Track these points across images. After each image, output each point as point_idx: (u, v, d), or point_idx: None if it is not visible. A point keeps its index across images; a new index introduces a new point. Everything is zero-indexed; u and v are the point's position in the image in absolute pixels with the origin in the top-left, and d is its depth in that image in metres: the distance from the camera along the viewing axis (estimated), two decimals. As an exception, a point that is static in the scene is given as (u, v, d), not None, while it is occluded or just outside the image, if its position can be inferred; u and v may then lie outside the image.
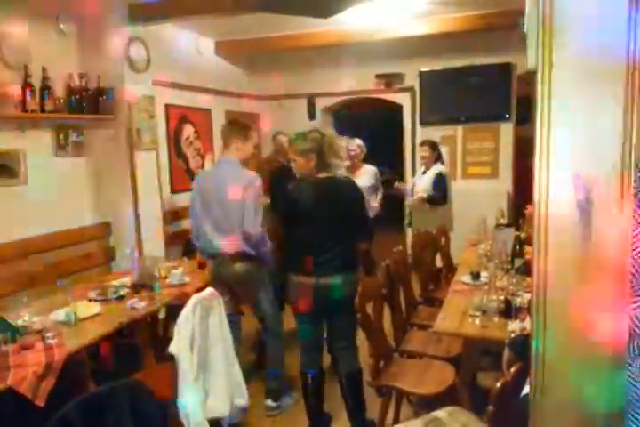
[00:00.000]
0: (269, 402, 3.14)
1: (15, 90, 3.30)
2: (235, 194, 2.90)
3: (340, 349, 2.91)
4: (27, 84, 3.33)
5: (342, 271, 2.73)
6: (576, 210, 0.93)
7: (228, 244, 2.98)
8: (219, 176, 3.03)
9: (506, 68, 5.54)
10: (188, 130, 5.17)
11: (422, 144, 4.73)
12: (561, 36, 0.91)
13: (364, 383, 2.88)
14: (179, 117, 5.02)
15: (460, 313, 2.63)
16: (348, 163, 4.80)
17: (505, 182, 5.77)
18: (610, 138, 0.90)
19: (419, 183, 4.69)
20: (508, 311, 2.50)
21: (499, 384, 1.65)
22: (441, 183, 4.51)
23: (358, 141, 4.84)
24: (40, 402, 2.05)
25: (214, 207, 2.98)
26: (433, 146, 4.70)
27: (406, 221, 4.93)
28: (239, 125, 3.14)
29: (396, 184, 4.99)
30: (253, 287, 3.06)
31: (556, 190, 0.95)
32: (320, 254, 2.73)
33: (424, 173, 4.72)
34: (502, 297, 2.60)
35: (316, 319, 2.87)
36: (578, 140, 0.93)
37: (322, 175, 2.80)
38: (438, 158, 4.70)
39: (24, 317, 2.40)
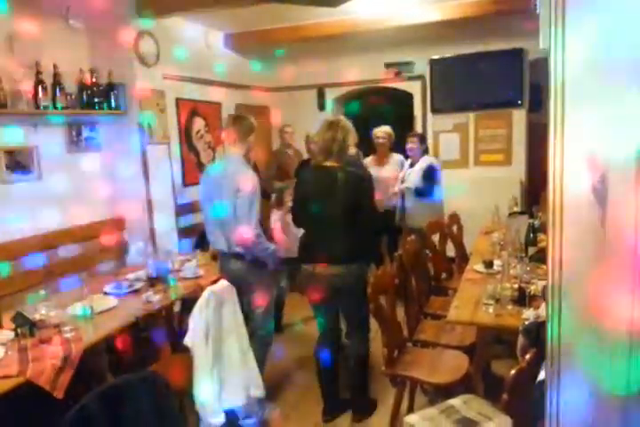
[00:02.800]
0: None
1: (27, 87, 3.33)
2: (230, 190, 2.86)
3: (350, 334, 2.97)
4: (38, 81, 3.35)
5: (348, 260, 2.75)
6: (591, 194, 0.92)
7: (226, 242, 2.97)
8: (221, 172, 3.01)
9: (518, 54, 5.45)
10: (199, 123, 5.18)
11: (411, 136, 4.65)
12: (574, 17, 0.89)
13: (368, 369, 3.02)
14: (189, 111, 5.02)
15: (474, 302, 2.63)
16: (353, 151, 4.77)
17: (518, 170, 5.70)
18: (625, 120, 0.88)
19: (410, 175, 4.55)
20: (522, 299, 2.49)
21: (513, 371, 1.65)
22: (430, 175, 4.42)
23: (386, 128, 4.78)
24: (59, 394, 2.09)
25: (213, 201, 2.97)
26: (421, 138, 4.67)
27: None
28: (241, 119, 3.12)
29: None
30: (250, 287, 3.00)
31: (570, 174, 0.94)
32: (326, 243, 2.75)
33: (411, 165, 4.60)
34: (516, 285, 2.59)
35: (328, 307, 2.90)
36: (592, 123, 0.91)
37: (328, 164, 2.80)
38: (426, 151, 4.65)
39: (41, 311, 2.44)
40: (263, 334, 3.09)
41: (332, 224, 2.74)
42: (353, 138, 2.86)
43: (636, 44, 0.85)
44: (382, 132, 4.75)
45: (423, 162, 4.50)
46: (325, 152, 2.81)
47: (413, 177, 4.50)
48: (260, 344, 3.04)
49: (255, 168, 3.78)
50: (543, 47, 0.96)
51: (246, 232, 2.82)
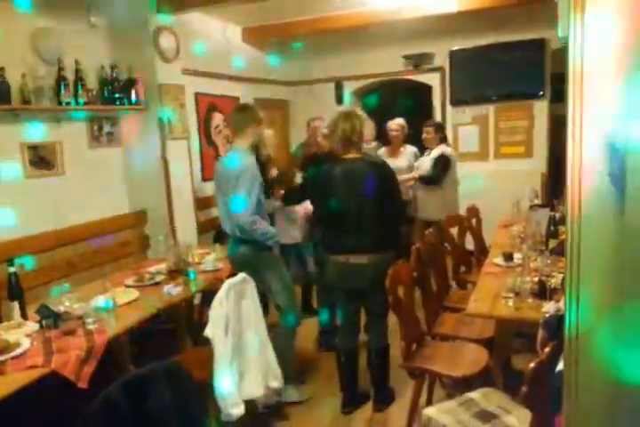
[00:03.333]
0: None
1: (50, 83, 3.38)
2: (229, 182, 2.91)
3: (371, 326, 3.01)
4: (61, 77, 3.41)
5: (373, 251, 2.78)
6: (609, 183, 0.91)
7: (232, 229, 3.00)
8: (225, 164, 3.06)
9: (539, 44, 5.37)
10: (218, 118, 5.21)
11: (427, 126, 4.62)
12: (593, 4, 0.88)
13: (390, 360, 3.03)
14: (208, 106, 5.05)
15: (493, 295, 2.61)
16: (373, 144, 4.75)
17: (539, 162, 5.64)
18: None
19: (423, 164, 4.56)
20: (542, 292, 2.47)
21: (533, 364, 1.64)
22: (440, 163, 4.38)
23: (399, 121, 4.79)
24: (83, 384, 2.13)
25: (221, 193, 3.03)
26: (438, 127, 4.62)
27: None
28: (246, 109, 3.14)
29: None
30: (261, 271, 3.01)
31: (588, 163, 0.93)
32: (351, 234, 2.77)
33: (428, 154, 4.60)
34: (536, 278, 2.57)
35: (350, 298, 2.92)
36: (610, 110, 0.90)
37: (350, 156, 2.81)
38: (443, 140, 4.60)
39: (65, 303, 2.49)
40: (285, 320, 3.09)
41: (362, 215, 2.76)
42: (370, 128, 2.86)
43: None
44: (395, 124, 4.75)
45: (437, 151, 4.48)
46: (347, 143, 2.81)
47: (425, 165, 4.50)
48: (284, 331, 3.09)
49: (269, 159, 3.80)
50: (562, 35, 0.95)
51: (243, 216, 2.85)
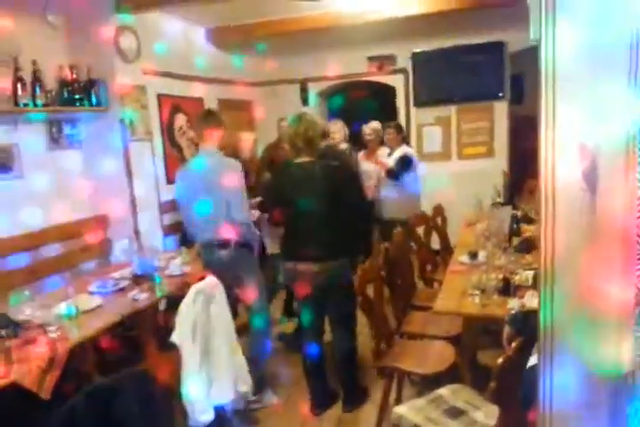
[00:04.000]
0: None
1: (5, 84, 3.27)
2: (218, 182, 2.90)
3: (333, 330, 3.00)
4: (17, 78, 3.29)
5: (322, 259, 2.74)
6: (582, 181, 0.94)
7: (215, 232, 2.98)
8: (201, 166, 3.05)
9: (498, 47, 5.50)
10: (181, 119, 5.13)
11: (388, 127, 4.75)
12: (564, 7, 0.91)
13: (357, 361, 3.06)
14: (171, 107, 4.97)
15: (460, 293, 2.65)
16: (344, 146, 4.77)
17: (500, 161, 5.77)
18: (614, 108, 0.90)
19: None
20: (507, 289, 2.52)
21: (500, 360, 1.67)
22: (406, 163, 4.51)
23: (374, 124, 4.84)
24: (46, 395, 2.07)
25: (200, 196, 2.99)
26: (398, 128, 4.77)
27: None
28: (211, 114, 3.22)
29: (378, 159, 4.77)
30: (240, 274, 3.05)
31: (561, 162, 0.96)
32: (309, 240, 2.75)
33: (389, 154, 4.72)
34: (501, 275, 2.62)
35: (312, 303, 2.91)
36: (582, 111, 0.93)
37: (300, 160, 2.80)
38: (404, 140, 4.78)
39: (26, 311, 2.41)
40: (260, 325, 3.10)
41: (313, 221, 2.73)
42: (317, 131, 2.81)
43: (627, 32, 0.86)
44: (369, 128, 4.84)
45: (399, 151, 4.61)
46: (293, 147, 2.80)
47: (389, 164, 4.58)
48: (258, 334, 3.10)
49: (247, 163, 3.82)
50: (533, 38, 0.97)
51: (244, 218, 2.94)
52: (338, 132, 4.62)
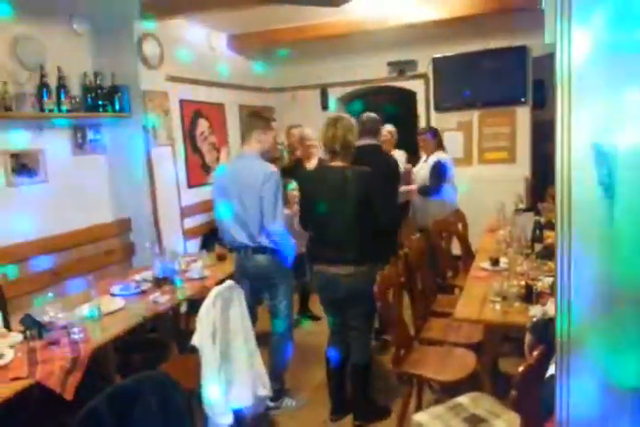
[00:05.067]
0: (267, 402, 2.96)
1: (32, 90, 3.35)
2: (253, 189, 2.86)
3: (353, 338, 2.94)
4: (43, 84, 3.37)
5: (351, 263, 2.73)
6: (598, 188, 0.92)
7: (249, 238, 2.95)
8: (237, 170, 2.99)
9: (521, 52, 5.45)
10: (203, 125, 5.19)
11: (422, 133, 4.63)
12: (580, 10, 0.89)
13: (369, 377, 2.98)
14: (193, 112, 5.03)
15: (480, 299, 2.62)
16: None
17: (523, 167, 5.70)
18: (631, 112, 0.88)
19: (420, 172, 4.54)
20: (529, 296, 2.49)
21: (521, 368, 1.65)
22: (437, 172, 4.33)
23: (389, 127, 4.81)
24: (68, 396, 2.10)
25: (234, 201, 2.94)
26: (433, 133, 4.60)
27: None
28: (259, 117, 3.11)
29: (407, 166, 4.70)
30: (274, 280, 3.03)
31: (577, 168, 0.94)
32: (334, 244, 2.75)
33: (425, 160, 4.58)
34: (523, 282, 2.59)
35: (336, 308, 2.90)
36: (598, 116, 0.91)
37: (334, 164, 2.80)
38: (440, 145, 4.57)
39: (50, 313, 2.45)
40: (283, 328, 3.10)
41: (343, 225, 2.72)
42: (355, 135, 2.82)
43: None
44: (385, 130, 4.78)
45: (432, 158, 4.46)
46: (330, 151, 2.80)
47: (422, 174, 4.48)
48: (279, 338, 3.10)
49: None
50: (549, 42, 0.96)
51: (278, 224, 2.88)
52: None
